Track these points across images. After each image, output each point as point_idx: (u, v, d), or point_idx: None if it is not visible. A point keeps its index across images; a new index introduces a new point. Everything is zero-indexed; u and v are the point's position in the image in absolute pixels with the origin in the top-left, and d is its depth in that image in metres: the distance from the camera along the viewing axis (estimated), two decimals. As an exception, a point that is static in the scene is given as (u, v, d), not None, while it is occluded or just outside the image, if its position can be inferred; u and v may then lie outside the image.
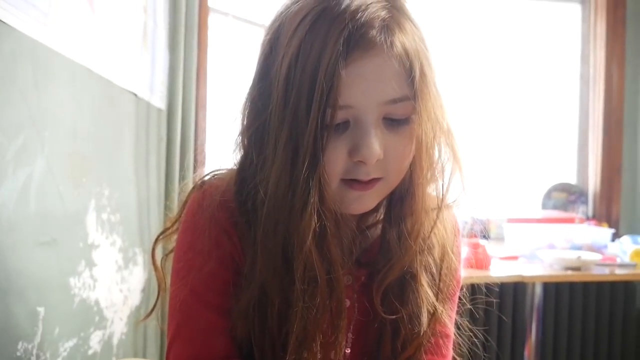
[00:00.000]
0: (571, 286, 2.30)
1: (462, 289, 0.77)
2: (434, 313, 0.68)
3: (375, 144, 0.59)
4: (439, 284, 0.70)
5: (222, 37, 2.18)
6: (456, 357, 0.76)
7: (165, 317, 0.69)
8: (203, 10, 2.02)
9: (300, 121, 0.58)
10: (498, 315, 2.12)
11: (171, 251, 0.73)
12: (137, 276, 1.50)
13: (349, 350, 0.70)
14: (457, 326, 0.75)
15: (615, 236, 2.36)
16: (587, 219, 2.58)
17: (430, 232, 0.67)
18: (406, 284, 0.68)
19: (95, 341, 1.17)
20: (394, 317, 0.67)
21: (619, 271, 2.03)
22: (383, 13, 0.59)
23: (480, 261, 1.90)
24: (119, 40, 1.31)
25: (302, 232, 0.59)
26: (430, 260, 0.69)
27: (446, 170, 0.66)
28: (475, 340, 0.76)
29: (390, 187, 0.65)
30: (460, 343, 0.75)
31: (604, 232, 2.30)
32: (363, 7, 0.58)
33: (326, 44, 0.56)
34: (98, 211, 1.19)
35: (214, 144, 2.08)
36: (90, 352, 1.14)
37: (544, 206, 2.63)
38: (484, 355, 0.97)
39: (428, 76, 0.61)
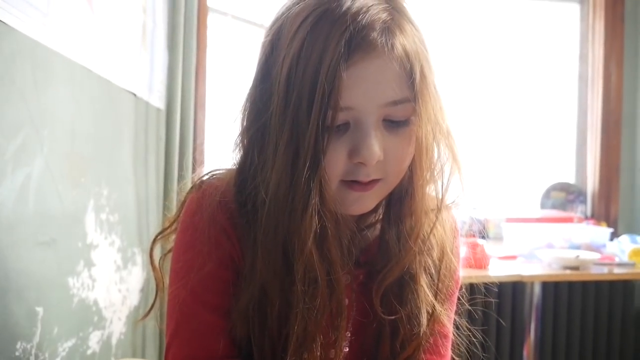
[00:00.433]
0: (570, 285, 2.30)
1: (461, 288, 0.77)
2: (432, 313, 0.69)
3: (376, 146, 0.59)
4: (437, 285, 0.70)
5: (221, 37, 2.18)
6: (455, 357, 0.76)
7: (164, 316, 0.69)
8: (202, 10, 2.02)
9: (301, 122, 0.58)
10: (497, 315, 2.13)
11: (169, 251, 0.73)
12: (136, 276, 1.50)
13: (347, 350, 0.71)
14: (456, 326, 0.75)
15: (614, 235, 2.36)
16: (586, 218, 2.58)
17: (430, 232, 0.67)
18: (405, 285, 0.68)
19: (94, 341, 1.17)
20: (393, 317, 0.68)
21: (617, 270, 2.03)
22: (384, 15, 0.59)
23: (478, 261, 1.89)
24: (118, 40, 1.31)
25: (303, 233, 0.59)
26: (429, 261, 0.69)
27: (445, 171, 0.66)
28: (474, 339, 0.76)
29: (390, 188, 0.65)
30: (459, 343, 0.76)
31: (603, 232, 2.30)
32: (364, 9, 0.58)
33: (327, 45, 0.56)
34: (97, 211, 1.19)
35: (213, 144, 2.08)
36: (89, 352, 1.14)
37: (543, 206, 2.63)
38: (483, 355, 0.97)
39: (428, 78, 0.61)
